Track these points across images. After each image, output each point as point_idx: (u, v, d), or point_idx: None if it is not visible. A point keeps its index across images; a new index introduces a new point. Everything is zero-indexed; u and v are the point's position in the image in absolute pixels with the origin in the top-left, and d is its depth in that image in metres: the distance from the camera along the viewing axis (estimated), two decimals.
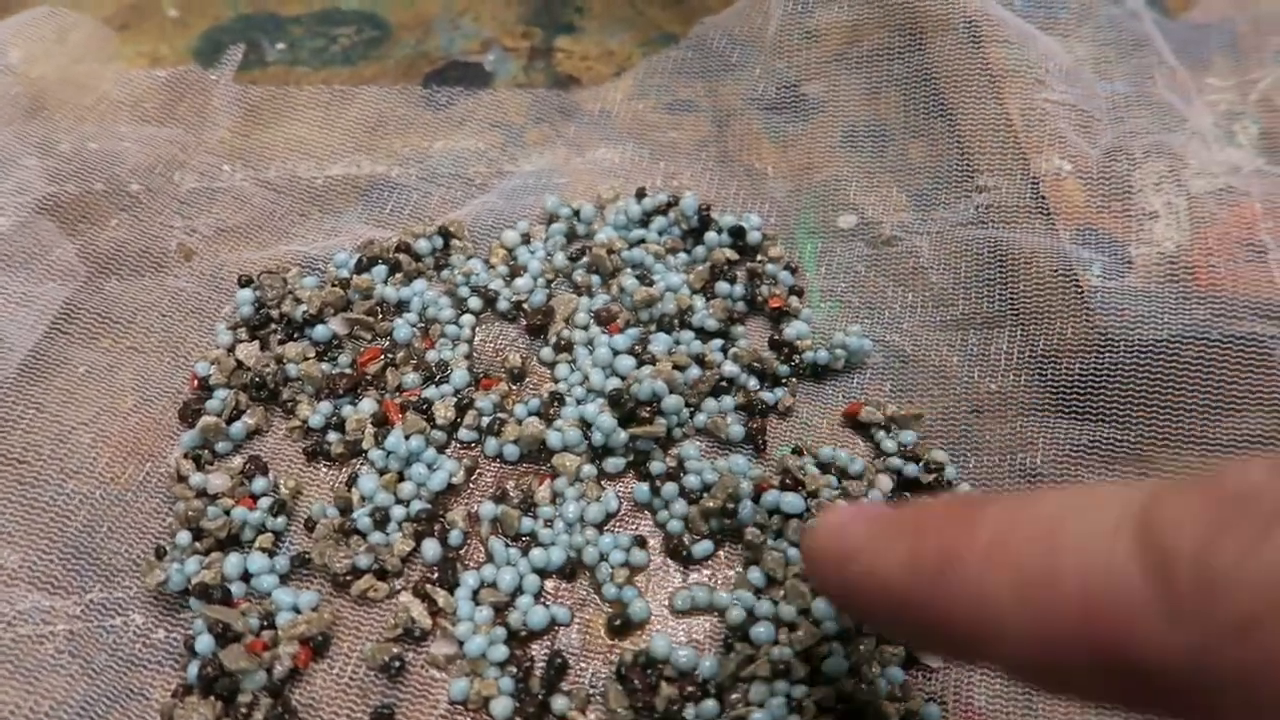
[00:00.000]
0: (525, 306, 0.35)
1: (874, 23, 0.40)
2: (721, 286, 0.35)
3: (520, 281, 0.35)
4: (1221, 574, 0.13)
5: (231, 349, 0.33)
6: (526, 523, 0.30)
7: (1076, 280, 0.31)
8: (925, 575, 0.16)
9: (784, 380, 0.33)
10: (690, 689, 0.27)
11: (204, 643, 0.27)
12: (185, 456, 0.31)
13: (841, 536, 0.17)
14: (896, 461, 0.31)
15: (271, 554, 0.29)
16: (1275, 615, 0.12)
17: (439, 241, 0.36)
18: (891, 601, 0.16)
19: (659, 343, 0.33)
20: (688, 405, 0.32)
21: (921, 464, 0.31)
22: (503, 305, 0.35)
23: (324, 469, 0.32)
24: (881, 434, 0.32)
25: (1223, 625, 0.13)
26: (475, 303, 0.35)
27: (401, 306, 0.35)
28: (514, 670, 0.27)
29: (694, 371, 0.32)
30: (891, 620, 0.17)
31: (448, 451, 0.32)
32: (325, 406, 0.32)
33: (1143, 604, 0.13)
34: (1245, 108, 0.36)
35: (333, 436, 0.32)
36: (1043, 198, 0.33)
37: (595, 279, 0.36)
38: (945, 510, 0.17)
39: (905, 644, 0.23)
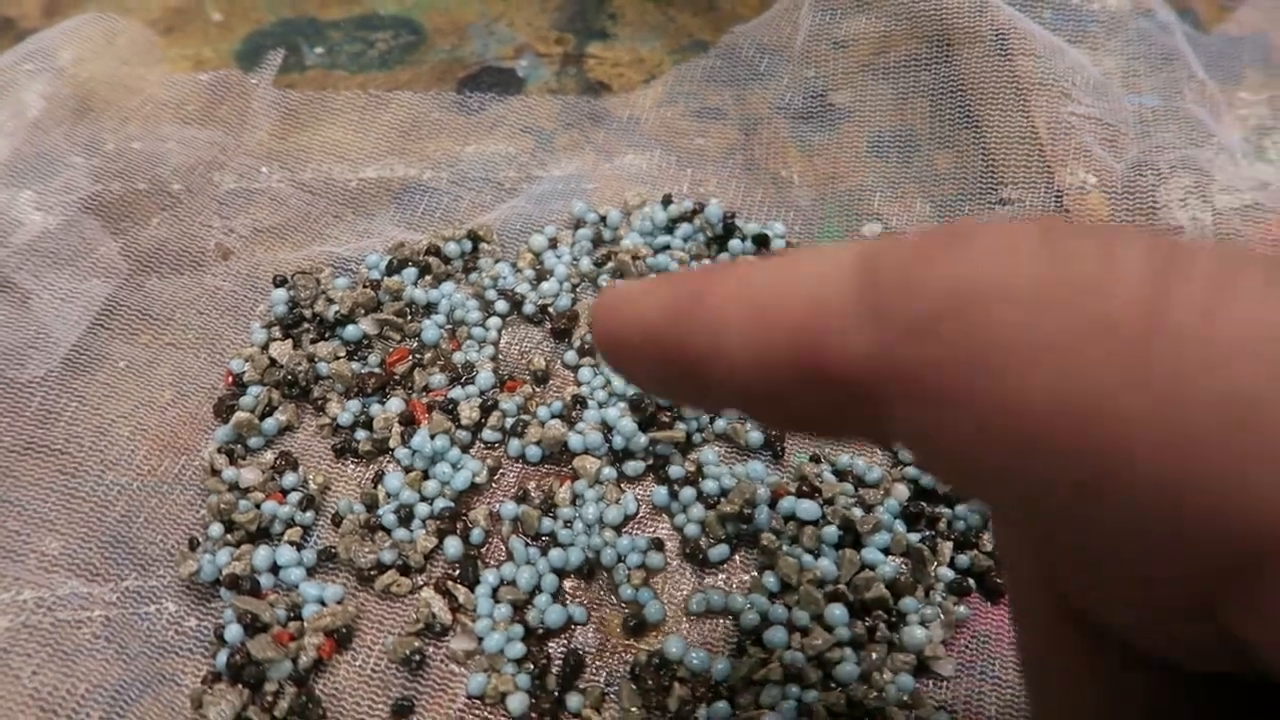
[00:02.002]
0: (551, 310, 0.36)
1: (903, 33, 0.40)
2: None
3: (546, 285, 0.36)
4: (917, 277, 0.13)
5: (265, 347, 0.34)
6: (546, 523, 0.31)
7: None
8: (677, 313, 0.16)
9: None
10: (703, 690, 0.27)
11: (233, 632, 0.28)
12: (219, 451, 0.32)
13: (619, 291, 0.18)
14: (913, 471, 0.31)
15: (299, 547, 0.30)
16: (954, 318, 0.12)
17: (468, 245, 0.37)
18: (647, 343, 0.17)
19: None
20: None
21: None
22: (529, 309, 0.36)
23: (352, 466, 0.32)
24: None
25: (906, 323, 0.13)
26: (502, 306, 0.36)
27: (430, 308, 0.36)
28: (530, 667, 0.28)
29: None
30: (648, 365, 0.17)
31: (472, 451, 0.33)
32: (354, 405, 0.33)
33: (842, 308, 0.14)
34: (1276, 123, 0.36)
35: (361, 434, 0.33)
36: (1067, 211, 0.33)
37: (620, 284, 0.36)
38: (712, 265, 0.17)
39: (662, 395, 0.22)
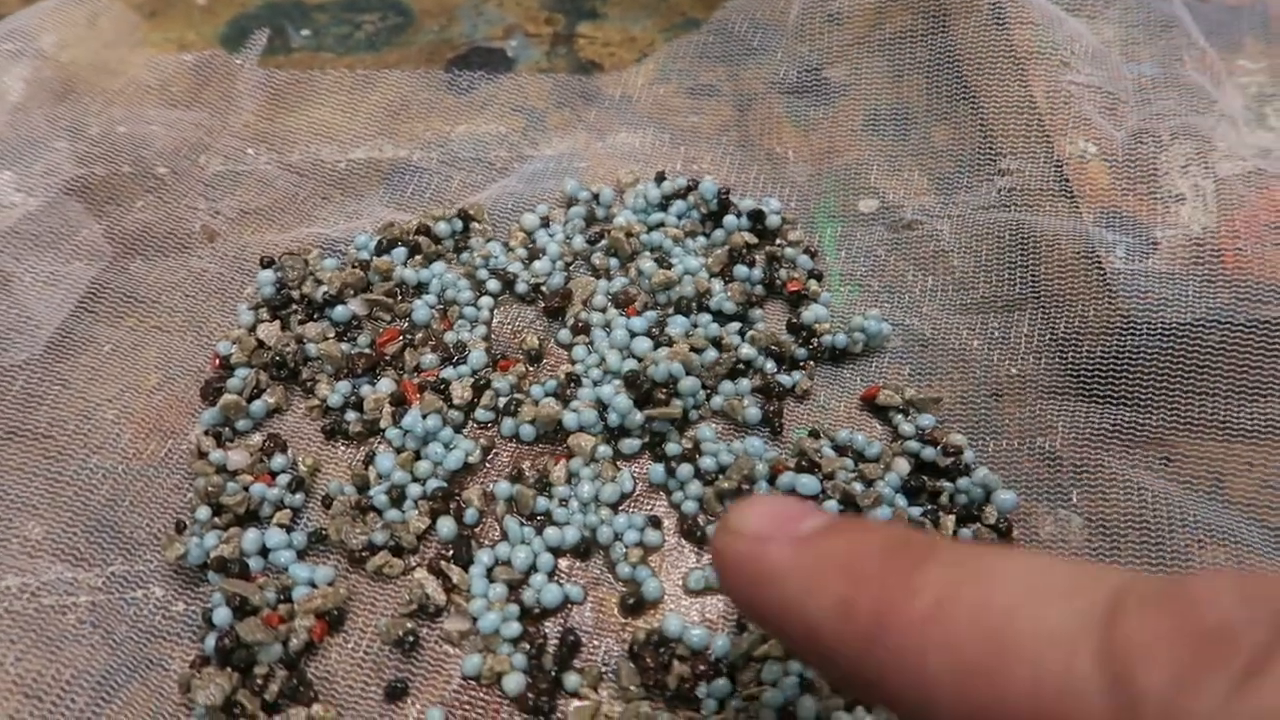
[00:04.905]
0: (543, 289, 0.35)
1: (898, 6, 0.39)
2: (740, 270, 0.35)
3: (539, 264, 0.35)
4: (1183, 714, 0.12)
5: (253, 329, 0.34)
6: (541, 502, 0.30)
7: (1099, 263, 0.31)
8: (857, 633, 0.15)
9: (802, 363, 0.33)
10: (702, 668, 0.27)
11: (221, 615, 0.27)
12: (206, 433, 0.31)
13: (760, 555, 0.16)
14: (914, 445, 0.31)
15: (289, 529, 0.30)
16: None
17: (458, 224, 0.36)
18: (818, 646, 0.16)
19: (676, 325, 0.33)
20: (704, 387, 0.32)
21: (939, 447, 0.31)
22: (521, 288, 0.35)
23: (342, 447, 0.32)
24: (899, 417, 0.32)
25: None
26: (494, 285, 0.35)
27: (420, 288, 0.35)
28: (527, 647, 0.27)
29: (711, 354, 0.32)
30: (817, 662, 0.16)
31: (465, 431, 0.32)
32: (344, 386, 0.32)
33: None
34: (1277, 90, 0.36)
35: (351, 415, 0.32)
36: (1066, 180, 0.33)
37: (613, 262, 0.36)
38: (883, 555, 0.15)
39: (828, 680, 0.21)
